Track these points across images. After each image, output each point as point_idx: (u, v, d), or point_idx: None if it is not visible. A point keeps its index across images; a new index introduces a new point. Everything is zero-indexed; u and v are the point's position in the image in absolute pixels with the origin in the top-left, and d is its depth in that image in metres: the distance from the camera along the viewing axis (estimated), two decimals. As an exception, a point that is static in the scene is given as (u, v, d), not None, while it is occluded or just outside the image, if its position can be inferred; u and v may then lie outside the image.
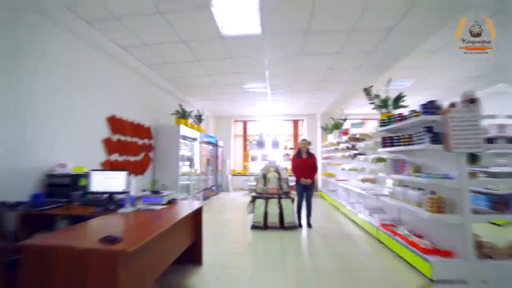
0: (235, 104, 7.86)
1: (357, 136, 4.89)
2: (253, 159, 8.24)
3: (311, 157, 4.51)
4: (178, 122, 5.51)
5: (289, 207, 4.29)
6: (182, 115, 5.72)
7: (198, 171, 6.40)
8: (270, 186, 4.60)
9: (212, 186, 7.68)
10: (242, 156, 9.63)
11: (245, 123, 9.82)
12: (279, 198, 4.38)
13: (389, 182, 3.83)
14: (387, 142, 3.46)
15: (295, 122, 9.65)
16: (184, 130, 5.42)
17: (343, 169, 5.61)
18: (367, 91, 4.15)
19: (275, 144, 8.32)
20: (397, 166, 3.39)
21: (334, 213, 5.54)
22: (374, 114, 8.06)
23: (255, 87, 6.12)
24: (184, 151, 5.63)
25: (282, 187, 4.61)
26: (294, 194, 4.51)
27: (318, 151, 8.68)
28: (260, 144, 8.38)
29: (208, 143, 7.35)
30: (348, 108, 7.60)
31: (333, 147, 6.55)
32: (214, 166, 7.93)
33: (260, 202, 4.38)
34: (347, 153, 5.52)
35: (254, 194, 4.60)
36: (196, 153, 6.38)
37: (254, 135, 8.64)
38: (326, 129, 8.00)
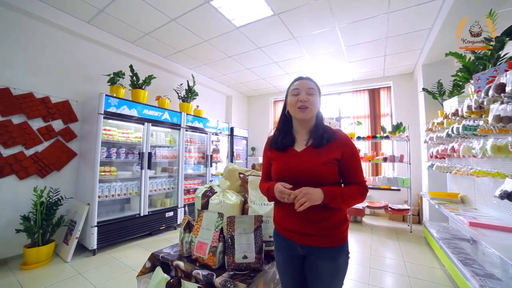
0: (253, 68, 4.89)
1: None
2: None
3: (332, 144, 1.01)
4: (113, 90, 3.29)
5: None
6: (134, 82, 3.48)
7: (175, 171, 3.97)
8: (198, 239, 1.49)
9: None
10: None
11: (287, 102, 6.52)
12: (207, 285, 1.25)
13: None
14: None
15: (374, 93, 5.46)
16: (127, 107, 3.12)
17: (503, 194, 1.55)
18: None
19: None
20: None
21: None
22: None
23: (238, 9, 2.99)
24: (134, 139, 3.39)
25: (231, 250, 1.39)
26: (272, 272, 1.26)
27: (420, 141, 4.31)
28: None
29: (212, 132, 4.79)
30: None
31: (456, 127, 2.37)
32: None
33: (157, 282, 1.42)
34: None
35: (162, 254, 1.66)
36: (181, 145, 3.99)
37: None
38: (439, 94, 3.64)
